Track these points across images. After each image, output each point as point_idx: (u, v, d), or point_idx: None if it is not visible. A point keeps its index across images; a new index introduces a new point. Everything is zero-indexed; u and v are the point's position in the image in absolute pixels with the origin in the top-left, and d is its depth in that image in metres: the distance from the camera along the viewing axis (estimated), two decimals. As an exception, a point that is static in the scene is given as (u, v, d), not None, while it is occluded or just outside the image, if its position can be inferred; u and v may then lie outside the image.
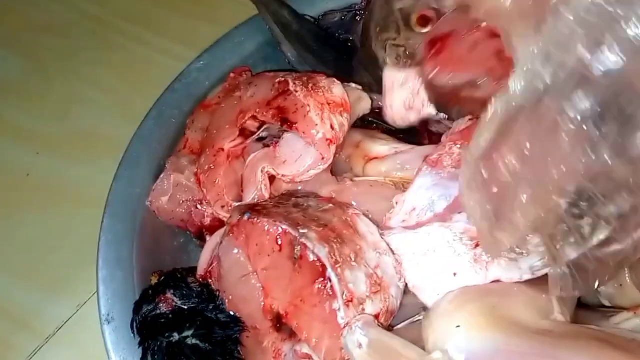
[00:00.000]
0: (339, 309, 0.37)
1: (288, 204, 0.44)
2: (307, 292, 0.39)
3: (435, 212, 0.40)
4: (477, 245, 0.37)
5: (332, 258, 0.39)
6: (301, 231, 0.40)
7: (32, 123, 0.72)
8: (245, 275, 0.42)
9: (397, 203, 0.42)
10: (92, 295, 0.59)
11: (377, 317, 0.39)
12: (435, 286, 0.38)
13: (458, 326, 0.33)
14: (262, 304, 0.41)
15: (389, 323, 0.40)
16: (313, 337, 0.38)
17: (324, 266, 0.38)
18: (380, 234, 0.42)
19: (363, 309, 0.38)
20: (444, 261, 0.38)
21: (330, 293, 0.38)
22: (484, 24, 0.44)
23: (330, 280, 0.38)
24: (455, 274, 0.38)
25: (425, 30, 0.49)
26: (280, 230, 0.40)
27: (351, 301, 0.38)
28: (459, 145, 0.43)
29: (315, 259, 0.39)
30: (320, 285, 0.38)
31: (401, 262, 0.40)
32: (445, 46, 0.46)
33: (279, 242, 0.40)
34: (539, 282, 0.37)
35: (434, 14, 0.50)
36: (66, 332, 0.58)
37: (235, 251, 0.43)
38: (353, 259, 0.40)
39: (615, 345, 0.32)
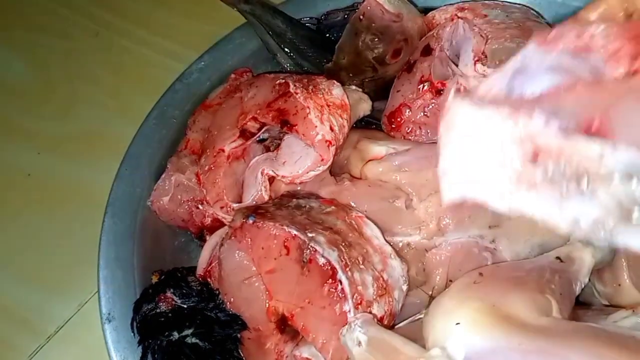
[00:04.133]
0: (350, 311, 0.38)
1: (290, 205, 0.44)
2: (316, 294, 0.39)
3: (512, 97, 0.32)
4: (534, 159, 0.29)
5: (341, 261, 0.39)
6: (309, 235, 0.40)
7: (33, 123, 0.72)
8: (248, 277, 0.43)
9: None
10: (93, 294, 0.59)
11: (381, 319, 0.39)
12: (466, 185, 0.32)
13: (458, 323, 0.33)
14: (267, 305, 0.41)
15: (390, 325, 0.41)
16: (320, 338, 0.39)
17: (334, 269, 0.38)
18: (384, 238, 0.42)
19: (370, 311, 0.39)
20: (488, 160, 0.31)
21: (341, 295, 0.38)
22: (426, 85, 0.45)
23: (341, 283, 0.38)
24: (490, 182, 0.31)
25: (399, 58, 0.55)
26: (289, 234, 0.40)
27: (360, 303, 0.38)
28: (603, 27, 0.32)
29: (325, 262, 0.39)
30: (330, 288, 0.39)
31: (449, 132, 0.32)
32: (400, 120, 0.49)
33: (286, 246, 0.41)
34: (539, 281, 0.37)
35: (404, 44, 0.55)
36: (67, 331, 0.59)
37: (237, 254, 0.43)
38: (361, 262, 0.40)
39: (614, 342, 0.32)
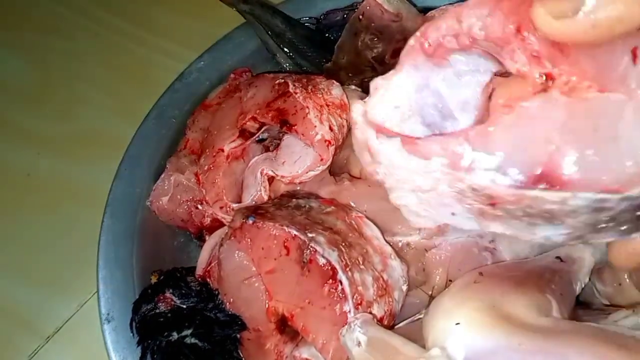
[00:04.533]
0: (350, 311, 0.38)
1: (289, 205, 0.44)
2: (316, 294, 0.39)
3: (429, 124, 0.30)
4: (492, 204, 0.28)
5: (342, 261, 0.39)
6: (309, 235, 0.40)
7: (33, 123, 0.72)
8: (248, 278, 0.43)
9: (376, 88, 0.32)
10: (92, 294, 0.59)
11: (381, 319, 0.39)
12: (432, 216, 0.31)
13: (458, 323, 0.33)
14: (266, 306, 0.41)
15: (390, 325, 0.40)
16: (320, 338, 0.39)
17: (334, 269, 0.38)
18: (384, 238, 0.42)
19: (370, 312, 0.39)
20: (443, 201, 0.30)
21: (342, 295, 0.38)
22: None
23: (341, 283, 0.38)
24: (453, 214, 0.30)
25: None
26: (289, 234, 0.40)
27: (360, 304, 0.38)
28: (483, 15, 0.28)
29: (326, 262, 0.39)
30: (330, 288, 0.38)
31: (391, 176, 0.31)
32: None
33: (287, 246, 0.41)
34: (538, 280, 0.37)
35: (403, 44, 0.53)
36: (67, 332, 0.59)
37: (237, 254, 0.43)
38: (361, 262, 0.40)
39: (614, 342, 0.32)
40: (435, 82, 0.31)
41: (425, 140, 0.29)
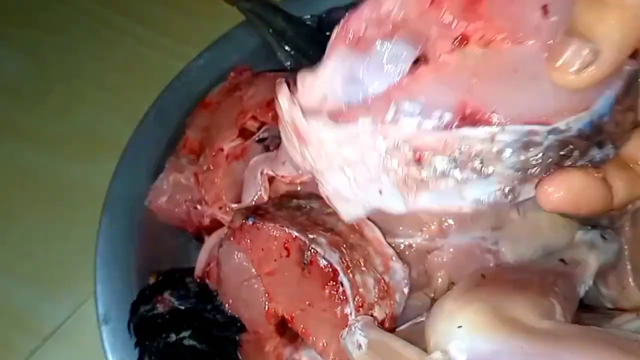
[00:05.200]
0: (351, 313, 0.37)
1: (290, 206, 0.44)
2: (316, 296, 0.39)
3: (364, 101, 0.30)
4: (418, 160, 0.27)
5: (343, 263, 0.38)
6: (310, 236, 0.39)
7: (32, 122, 0.72)
8: (247, 279, 0.42)
9: (303, 85, 0.32)
10: (90, 295, 0.58)
11: (382, 322, 0.39)
12: (360, 199, 0.30)
13: (460, 326, 0.33)
14: (266, 308, 0.41)
15: (392, 328, 0.40)
16: (321, 341, 0.38)
17: (335, 271, 0.38)
18: (386, 240, 0.42)
19: (372, 314, 0.38)
20: (371, 174, 0.29)
21: (343, 297, 0.38)
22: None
23: (342, 285, 0.38)
24: (380, 192, 0.29)
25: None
26: (289, 235, 0.40)
27: (362, 306, 0.38)
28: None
29: (327, 264, 0.38)
30: (331, 290, 0.38)
31: (323, 153, 0.31)
32: None
33: (287, 247, 0.40)
34: (542, 283, 0.37)
35: None
36: (65, 332, 0.58)
37: (237, 255, 0.42)
38: (362, 264, 0.39)
39: (618, 346, 0.31)
40: (360, 71, 0.31)
41: (351, 106, 0.29)
